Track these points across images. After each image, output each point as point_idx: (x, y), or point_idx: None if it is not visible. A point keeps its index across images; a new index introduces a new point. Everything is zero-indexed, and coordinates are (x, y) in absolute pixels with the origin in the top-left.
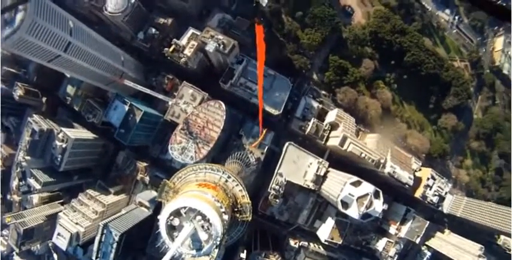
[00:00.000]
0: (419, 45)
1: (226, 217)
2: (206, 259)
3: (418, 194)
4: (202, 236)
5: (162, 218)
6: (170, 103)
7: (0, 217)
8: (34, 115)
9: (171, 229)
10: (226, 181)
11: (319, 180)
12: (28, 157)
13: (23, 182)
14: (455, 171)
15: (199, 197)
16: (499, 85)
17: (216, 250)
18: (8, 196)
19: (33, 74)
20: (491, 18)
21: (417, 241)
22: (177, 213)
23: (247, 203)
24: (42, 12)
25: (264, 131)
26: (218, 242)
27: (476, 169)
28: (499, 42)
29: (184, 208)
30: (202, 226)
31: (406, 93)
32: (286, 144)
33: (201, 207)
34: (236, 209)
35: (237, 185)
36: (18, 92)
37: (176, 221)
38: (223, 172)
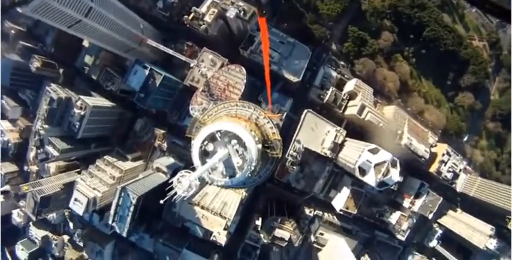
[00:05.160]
0: (438, 21)
1: (259, 146)
2: (223, 222)
3: (433, 169)
4: (236, 162)
5: (196, 143)
6: (192, 64)
7: None
8: (52, 84)
9: (205, 155)
10: (258, 117)
11: (337, 148)
12: (46, 126)
13: (41, 150)
14: (470, 151)
15: (235, 122)
16: None
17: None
18: (25, 168)
19: (50, 46)
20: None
21: (430, 217)
22: (211, 138)
23: (277, 140)
24: None
25: (279, 114)
26: (252, 168)
27: (491, 151)
28: None
29: (220, 131)
30: (237, 151)
31: (424, 68)
32: (305, 111)
33: (236, 130)
34: (266, 145)
35: (268, 122)
36: (35, 64)
37: (210, 147)
38: (254, 109)
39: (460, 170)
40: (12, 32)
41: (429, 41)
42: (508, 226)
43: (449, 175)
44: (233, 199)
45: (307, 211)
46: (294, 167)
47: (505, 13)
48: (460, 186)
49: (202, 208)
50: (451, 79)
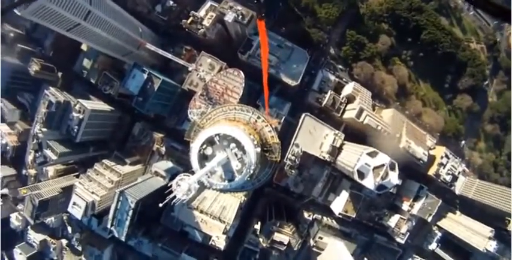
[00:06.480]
0: (436, 24)
1: (258, 150)
2: (222, 226)
3: (431, 172)
4: (235, 165)
5: (195, 146)
6: (190, 69)
7: None
8: (51, 87)
9: (203, 158)
10: (256, 121)
11: (335, 151)
12: (44, 129)
13: (39, 153)
14: (469, 153)
15: (234, 125)
16: None
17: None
18: (24, 171)
19: (49, 50)
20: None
21: (429, 220)
22: (210, 142)
23: (276, 143)
24: None
25: (276, 120)
26: (251, 172)
27: (489, 153)
28: None
29: (218, 135)
30: (236, 154)
31: (422, 71)
32: (303, 114)
33: (235, 134)
34: (265, 149)
35: (267, 126)
36: (33, 67)
37: (209, 150)
38: (252, 113)
39: (459, 172)
40: (11, 34)
41: (427, 44)
42: (507, 227)
43: (448, 178)
44: (232, 203)
45: (306, 215)
46: (293, 171)
47: (505, 13)
48: (458, 188)
49: (201, 212)
50: (449, 82)
